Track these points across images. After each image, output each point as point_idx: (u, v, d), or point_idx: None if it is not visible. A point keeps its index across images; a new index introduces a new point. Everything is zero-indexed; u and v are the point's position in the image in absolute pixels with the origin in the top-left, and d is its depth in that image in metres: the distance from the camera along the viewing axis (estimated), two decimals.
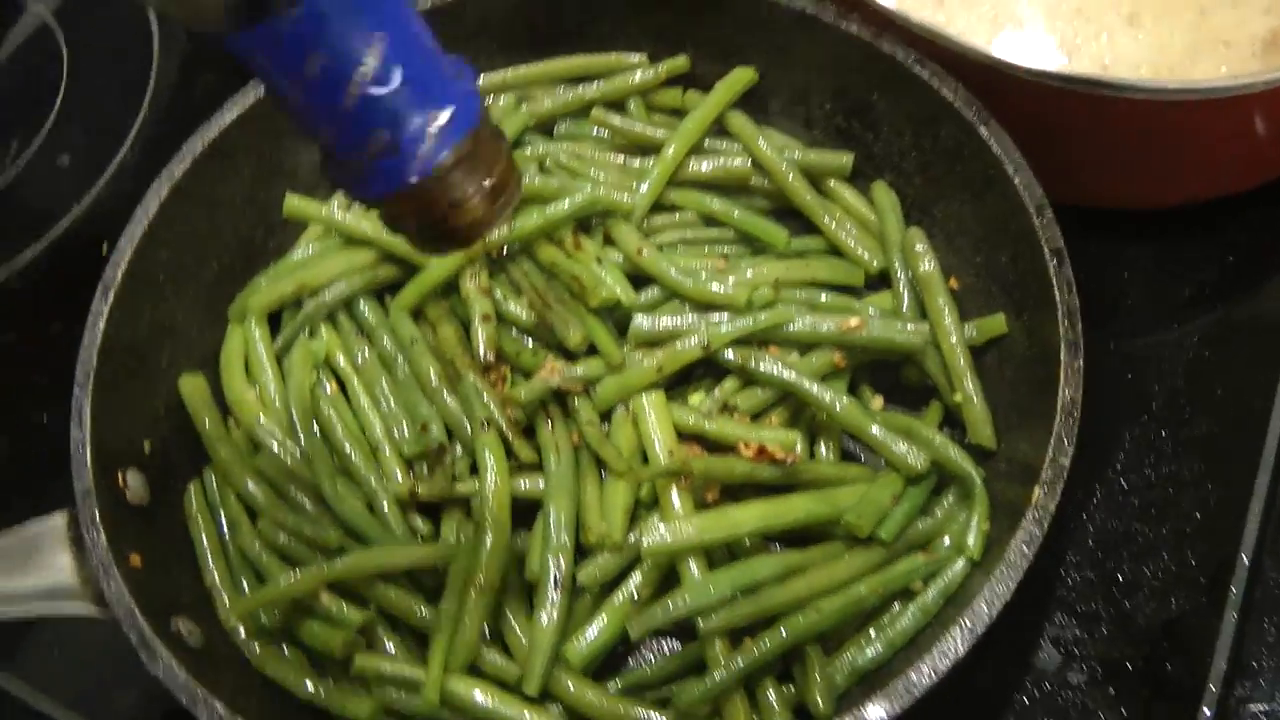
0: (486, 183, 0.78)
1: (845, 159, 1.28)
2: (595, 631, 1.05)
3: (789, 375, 1.12)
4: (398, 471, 1.16)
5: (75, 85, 1.53)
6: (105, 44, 1.59)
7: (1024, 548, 0.97)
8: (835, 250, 1.26)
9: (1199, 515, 1.15)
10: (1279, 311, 1.24)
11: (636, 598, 1.07)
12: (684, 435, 1.14)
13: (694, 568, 1.05)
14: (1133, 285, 1.29)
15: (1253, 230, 1.31)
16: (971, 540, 1.04)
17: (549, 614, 1.05)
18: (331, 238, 1.28)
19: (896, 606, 1.05)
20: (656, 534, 1.04)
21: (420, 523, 1.15)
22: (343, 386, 1.23)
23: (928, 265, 1.18)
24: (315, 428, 1.19)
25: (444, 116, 0.73)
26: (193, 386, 1.21)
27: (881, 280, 1.24)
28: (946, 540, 1.07)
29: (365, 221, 1.26)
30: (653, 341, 1.16)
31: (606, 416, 1.17)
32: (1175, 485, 1.17)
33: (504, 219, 0.81)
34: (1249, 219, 1.31)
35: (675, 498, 1.08)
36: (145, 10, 1.56)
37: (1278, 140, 1.23)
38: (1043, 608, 1.12)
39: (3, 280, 1.39)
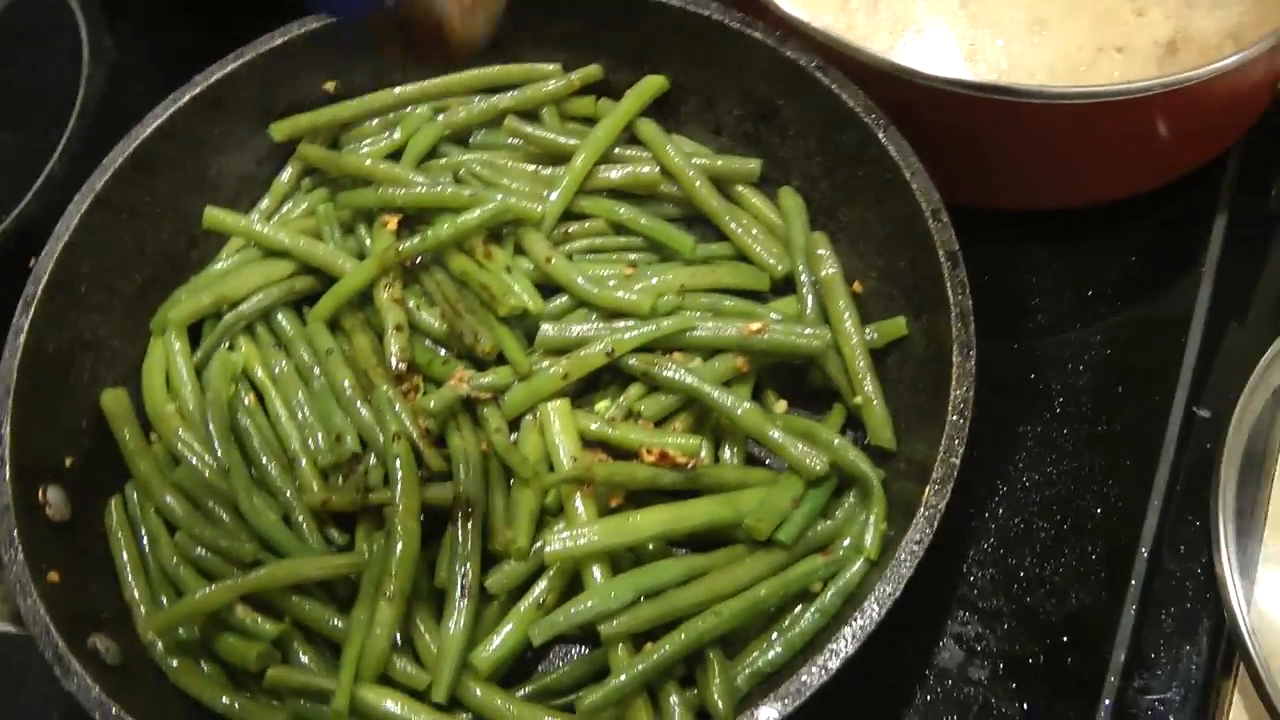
0: None
1: (753, 165, 1.29)
2: (502, 638, 1.06)
3: (691, 380, 1.14)
4: (314, 482, 1.18)
5: (2, 97, 1.54)
6: (33, 55, 1.60)
7: (914, 547, 0.98)
8: (742, 256, 1.27)
9: (1099, 511, 1.17)
10: (1179, 310, 1.25)
11: (542, 604, 1.08)
12: (589, 442, 1.15)
13: (597, 573, 1.06)
14: (1037, 286, 1.31)
15: (1155, 230, 1.32)
16: (869, 541, 1.06)
17: (456, 621, 1.06)
18: (251, 249, 1.30)
19: (798, 609, 1.07)
20: (559, 540, 1.06)
21: (336, 534, 1.16)
22: (261, 398, 1.24)
23: (830, 269, 1.20)
24: (234, 439, 1.21)
25: None
26: (114, 400, 1.23)
27: (787, 285, 1.25)
28: (847, 541, 1.08)
29: (284, 233, 1.27)
30: (560, 349, 1.18)
31: (516, 424, 1.18)
32: (1076, 481, 1.19)
33: (488, 32, 0.81)
34: (1151, 219, 1.32)
35: (579, 504, 1.09)
36: (74, 18, 1.57)
37: (1177, 142, 1.25)
38: (945, 605, 1.14)
39: None
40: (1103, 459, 1.20)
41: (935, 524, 0.99)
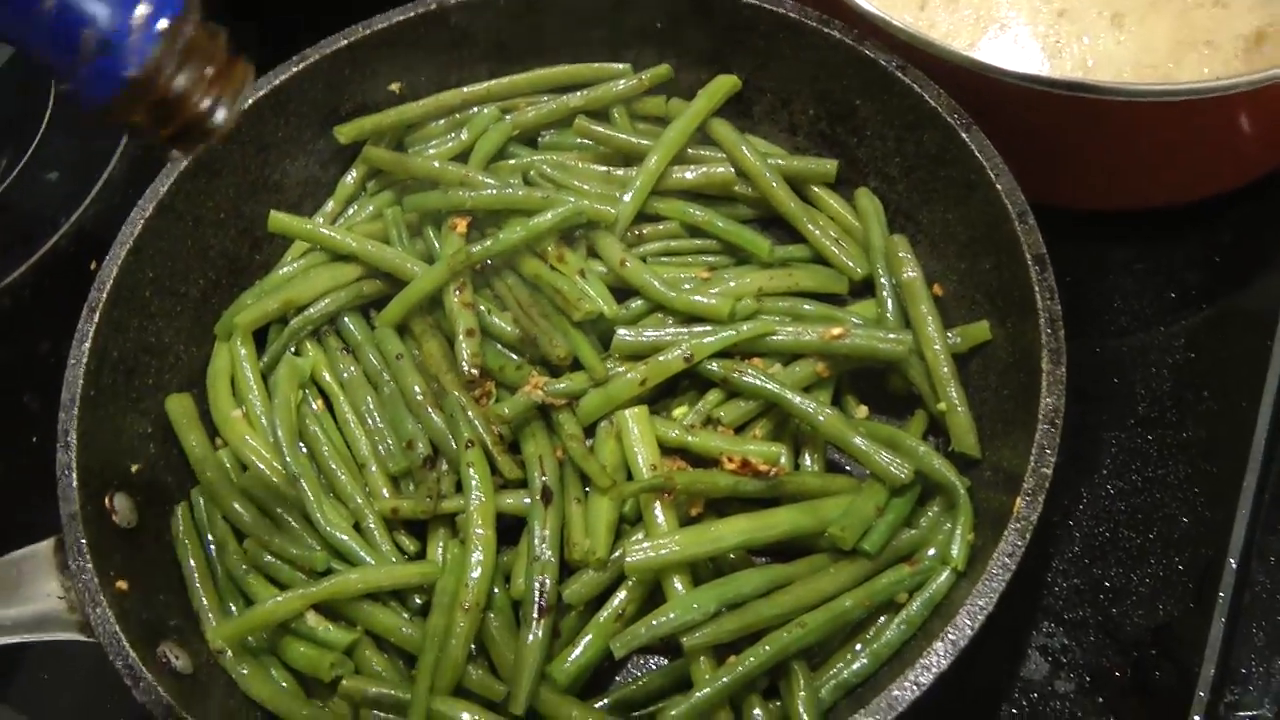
0: (208, 71, 0.79)
1: (829, 166, 1.27)
2: (581, 650, 1.05)
3: (772, 387, 1.12)
4: (384, 489, 1.16)
5: (63, 100, 1.53)
6: None
7: (1006, 559, 0.96)
8: (820, 258, 1.25)
9: (1186, 520, 1.15)
10: (1264, 312, 1.22)
11: (622, 614, 1.07)
12: (668, 449, 1.14)
13: (678, 584, 1.05)
14: (1118, 288, 1.29)
15: (1237, 230, 1.30)
16: (956, 551, 1.04)
17: (534, 632, 1.04)
18: (317, 253, 1.28)
19: (882, 619, 1.05)
20: (639, 551, 1.04)
21: (407, 541, 1.15)
22: (329, 403, 1.23)
23: (911, 272, 1.18)
24: (302, 446, 1.19)
25: (144, 7, 0.74)
26: (180, 406, 1.21)
27: (866, 288, 1.23)
28: (932, 551, 1.06)
29: (350, 236, 1.26)
30: (636, 354, 1.16)
31: (591, 430, 1.16)
32: (1162, 490, 1.17)
33: (234, 111, 0.82)
34: (1233, 219, 1.30)
35: (659, 513, 1.08)
36: None
37: (1262, 140, 1.23)
38: (1030, 616, 1.12)
39: None
40: (1188, 466, 1.17)
41: (1028, 536, 0.97)
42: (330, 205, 1.34)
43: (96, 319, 1.15)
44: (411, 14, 1.29)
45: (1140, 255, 1.30)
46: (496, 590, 1.10)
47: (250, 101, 1.26)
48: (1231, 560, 1.10)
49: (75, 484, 1.08)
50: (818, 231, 1.24)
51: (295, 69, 1.28)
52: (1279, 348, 1.19)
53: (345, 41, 1.29)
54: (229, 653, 1.09)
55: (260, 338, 1.27)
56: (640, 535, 1.08)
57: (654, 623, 1.02)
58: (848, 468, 1.16)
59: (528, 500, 1.12)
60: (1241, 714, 1.05)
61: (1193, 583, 1.12)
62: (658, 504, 1.08)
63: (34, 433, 1.27)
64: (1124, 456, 1.19)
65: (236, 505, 1.15)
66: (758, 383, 1.12)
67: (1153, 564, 1.13)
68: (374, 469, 1.18)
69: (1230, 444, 1.16)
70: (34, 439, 1.27)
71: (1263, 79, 1.11)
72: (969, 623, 0.95)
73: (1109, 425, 1.20)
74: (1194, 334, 1.25)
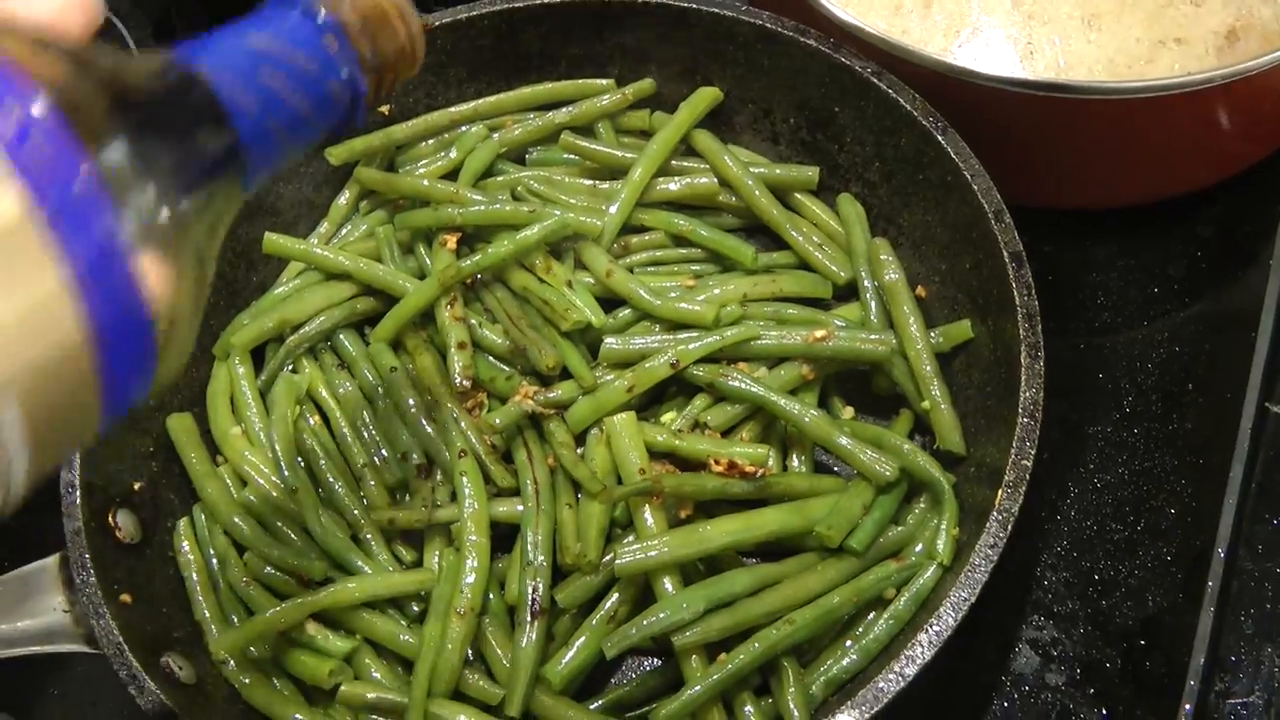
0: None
1: (811, 173, 1.29)
2: (574, 652, 1.06)
3: (757, 390, 1.13)
4: (381, 500, 1.18)
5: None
6: None
7: (989, 551, 0.98)
8: (804, 264, 1.27)
9: (1173, 511, 1.16)
10: (1247, 305, 1.22)
11: (614, 616, 1.08)
12: (657, 454, 1.15)
13: (668, 585, 1.06)
14: (1102, 285, 1.30)
15: (1219, 225, 1.31)
16: (942, 546, 1.05)
17: (528, 636, 1.06)
18: (311, 273, 1.31)
19: (871, 615, 1.06)
20: (629, 554, 1.05)
21: (404, 550, 1.17)
22: (326, 418, 1.25)
23: (892, 275, 1.19)
24: (300, 460, 1.21)
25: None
26: (180, 425, 1.23)
27: (850, 292, 1.25)
28: (919, 547, 1.08)
29: (343, 255, 1.28)
30: (624, 362, 1.18)
31: (582, 438, 1.18)
32: (1149, 482, 1.18)
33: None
34: (1215, 214, 1.31)
35: (648, 516, 1.09)
36: (125, 45, 1.58)
37: (1240, 135, 1.24)
38: (1019, 610, 1.13)
39: None
40: (1175, 458, 1.18)
41: (1009, 528, 0.98)
42: (324, 226, 1.36)
43: None
44: None
45: (1123, 252, 1.31)
46: (492, 596, 1.11)
47: None
48: (1219, 550, 1.11)
49: (79, 501, 1.10)
50: (800, 238, 1.26)
51: None
52: (1262, 340, 1.20)
53: None
54: (231, 663, 1.10)
55: (258, 356, 1.29)
56: (631, 538, 1.09)
57: (644, 623, 1.03)
58: (835, 468, 1.18)
59: (521, 507, 1.14)
60: (1232, 701, 1.06)
61: (1181, 573, 1.12)
62: (647, 507, 1.09)
63: None
64: (1110, 450, 1.20)
65: (236, 519, 1.17)
66: (743, 386, 1.14)
67: (1141, 556, 1.14)
68: (371, 481, 1.19)
69: (1216, 435, 1.17)
70: None
71: (1238, 71, 1.13)
72: (951, 614, 0.96)
73: (1095, 420, 1.21)
74: (1178, 328, 1.26)
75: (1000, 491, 0.99)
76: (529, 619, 1.07)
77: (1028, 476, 1.00)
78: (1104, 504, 1.17)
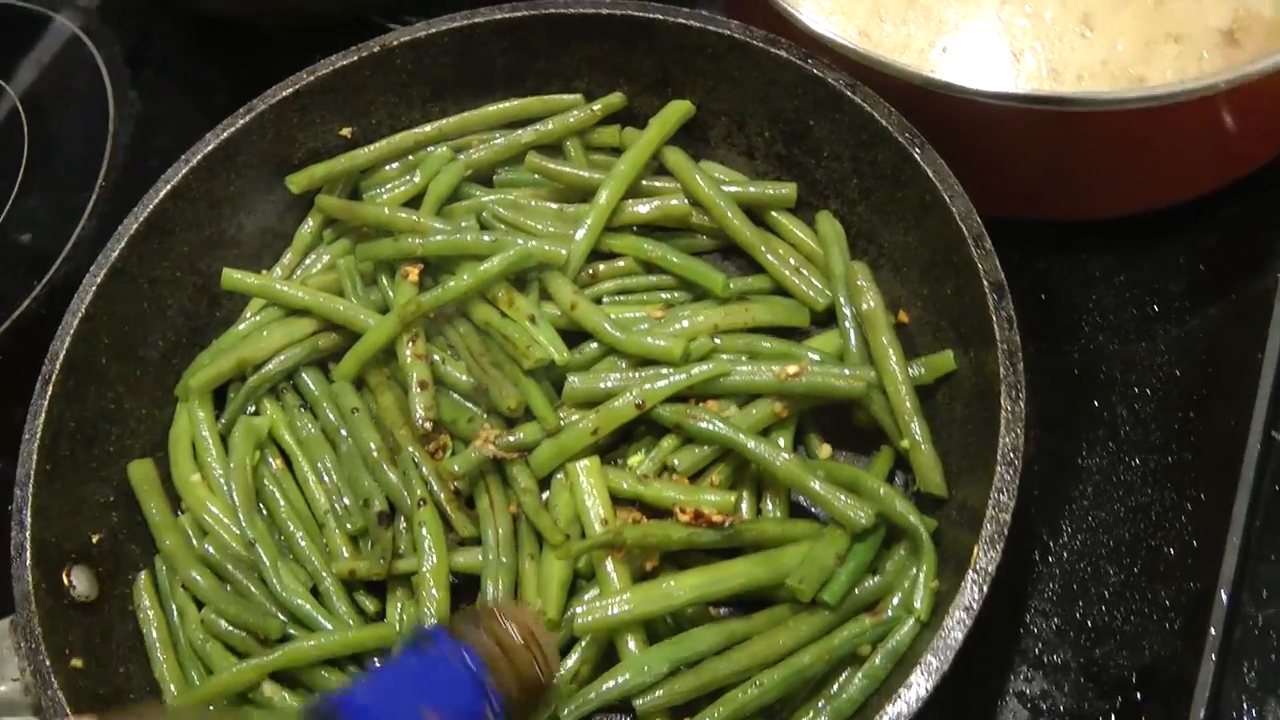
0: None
1: (786, 190, 1.23)
2: None
3: (725, 431, 1.07)
4: (343, 549, 1.14)
5: (35, 163, 1.52)
6: (62, 118, 1.58)
7: (962, 614, 0.91)
8: (780, 289, 1.20)
9: (1172, 551, 1.08)
10: (1252, 321, 1.14)
11: (577, 675, 1.03)
12: (623, 500, 1.10)
13: (631, 643, 1.02)
14: (1097, 302, 1.22)
15: (1222, 235, 1.22)
16: (919, 601, 0.99)
17: None
18: (273, 308, 1.26)
19: (845, 673, 1.00)
20: (590, 612, 1.01)
21: (368, 601, 1.13)
22: (289, 462, 1.21)
23: (870, 303, 1.12)
24: (261, 507, 1.18)
25: None
26: (141, 473, 1.20)
27: (830, 317, 1.18)
28: (896, 599, 1.01)
29: (303, 291, 1.23)
30: (588, 401, 1.13)
31: (547, 481, 1.13)
32: (1146, 519, 1.10)
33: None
34: (1217, 223, 1.22)
35: (611, 570, 1.04)
36: (101, 76, 1.55)
37: (1244, 139, 1.16)
38: (1006, 660, 1.07)
39: None
40: (1174, 493, 1.11)
41: (985, 588, 0.91)
42: (289, 256, 1.31)
43: (50, 392, 1.14)
44: (355, 57, 1.27)
45: (1121, 265, 1.23)
46: None
47: (199, 157, 1.24)
48: (1222, 592, 1.04)
49: (29, 563, 1.07)
50: (776, 261, 1.20)
51: (243, 120, 1.25)
52: (1269, 361, 1.12)
53: (292, 89, 1.26)
54: None
55: (222, 395, 1.25)
56: (593, 593, 1.05)
57: (604, 687, 0.99)
58: (814, 509, 1.11)
59: (480, 558, 1.09)
60: None
61: (1180, 619, 1.05)
62: (610, 560, 1.04)
63: (8, 502, 1.26)
64: (1105, 485, 1.12)
65: (194, 573, 1.14)
66: (711, 428, 1.08)
67: (1137, 600, 1.07)
68: (334, 528, 1.15)
69: (1219, 468, 1.09)
70: (9, 507, 1.27)
71: (1242, 76, 1.05)
72: (925, 681, 0.90)
73: (1089, 452, 1.14)
74: (1177, 348, 1.18)
75: (977, 548, 0.93)
76: None
77: (1006, 531, 0.93)
78: (1098, 544, 1.10)
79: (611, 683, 0.99)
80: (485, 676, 0.81)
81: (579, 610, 1.02)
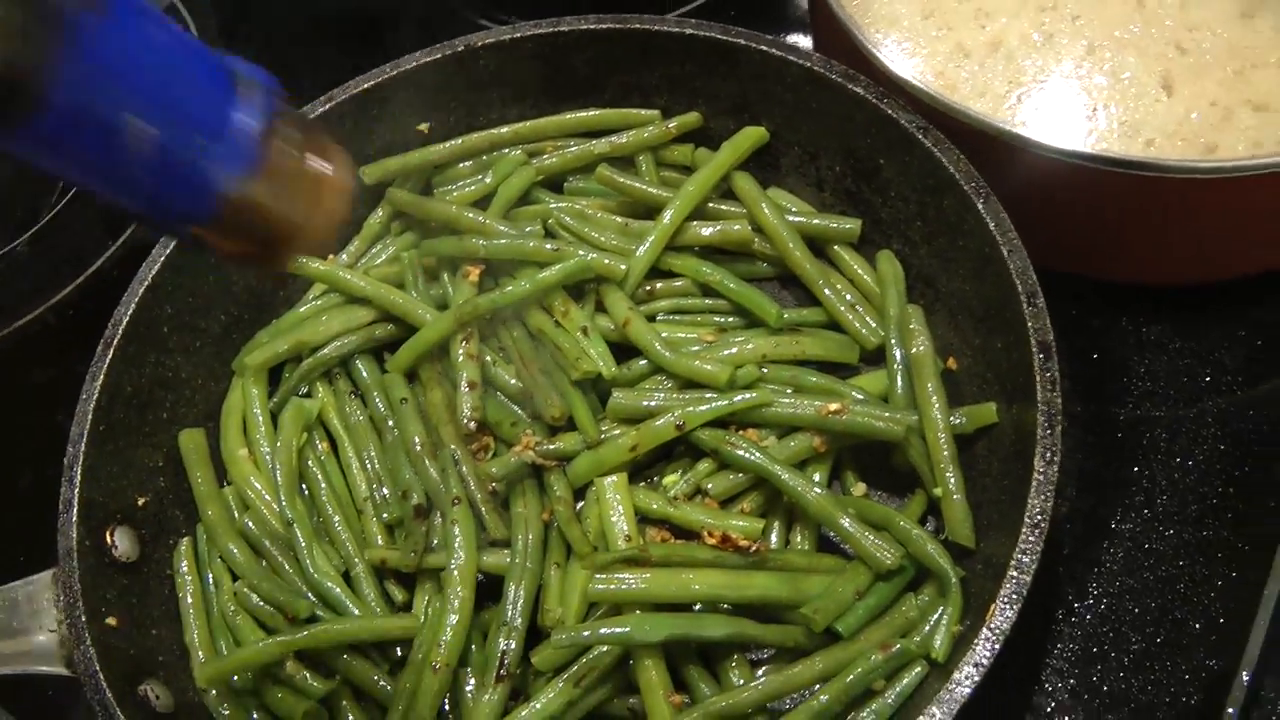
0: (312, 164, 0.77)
1: (850, 226, 1.23)
2: (531, 711, 1.03)
3: (761, 460, 1.08)
4: (378, 537, 1.16)
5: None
6: None
7: (971, 669, 0.91)
8: (833, 323, 1.21)
9: (1198, 626, 1.07)
10: None
11: (582, 680, 1.04)
12: (652, 519, 1.11)
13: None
14: (1149, 367, 1.21)
15: None
16: (939, 642, 0.99)
17: (489, 696, 1.04)
18: (334, 294, 1.29)
19: (851, 715, 1.00)
20: (608, 581, 1.03)
21: (397, 590, 1.15)
22: (334, 445, 1.23)
23: (920, 347, 1.13)
24: (304, 487, 1.20)
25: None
26: (191, 442, 1.23)
27: (879, 355, 1.18)
28: (918, 637, 1.01)
29: (365, 280, 1.26)
30: (631, 418, 1.14)
31: (583, 492, 1.15)
32: (1174, 592, 1.09)
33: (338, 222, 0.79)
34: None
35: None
36: None
37: None
38: (1017, 717, 1.06)
39: (39, 317, 1.43)
40: (1205, 568, 1.10)
41: (999, 646, 0.91)
42: (355, 244, 1.34)
43: (110, 355, 1.18)
44: (439, 55, 1.29)
45: (1177, 332, 1.22)
46: (474, 647, 1.09)
47: None
48: (1244, 674, 1.03)
49: (75, 519, 1.10)
50: (833, 295, 1.20)
51: (322, 109, 1.28)
52: None
53: (373, 81, 1.29)
54: (213, 691, 1.10)
55: (277, 375, 1.28)
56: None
57: (601, 630, 1.01)
58: (843, 546, 1.12)
59: (509, 560, 1.11)
60: None
61: (1199, 696, 1.04)
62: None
63: (61, 455, 1.29)
64: (1136, 552, 1.11)
65: (231, 546, 1.17)
66: (747, 456, 1.09)
67: (1156, 671, 1.06)
68: (371, 516, 1.18)
69: (1255, 547, 1.09)
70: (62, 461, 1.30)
71: None
72: None
73: (1123, 517, 1.13)
74: (1225, 421, 1.17)
75: (994, 606, 0.93)
76: (493, 680, 1.04)
77: (1025, 593, 0.93)
78: (1123, 609, 1.09)
79: (611, 630, 1.01)
80: (254, 149, 0.73)
81: (598, 576, 1.03)
